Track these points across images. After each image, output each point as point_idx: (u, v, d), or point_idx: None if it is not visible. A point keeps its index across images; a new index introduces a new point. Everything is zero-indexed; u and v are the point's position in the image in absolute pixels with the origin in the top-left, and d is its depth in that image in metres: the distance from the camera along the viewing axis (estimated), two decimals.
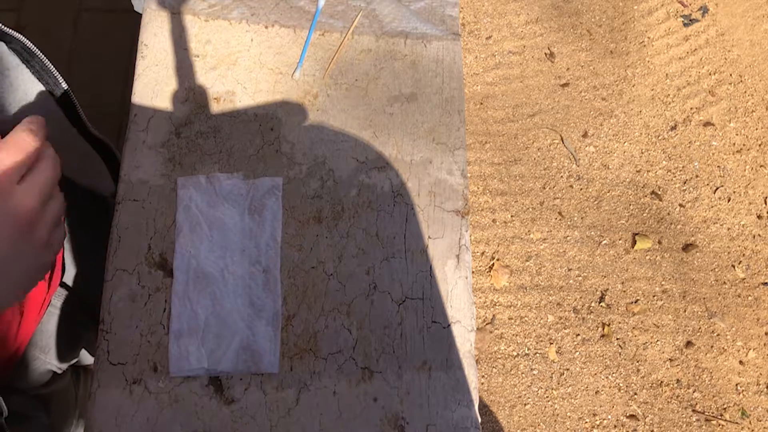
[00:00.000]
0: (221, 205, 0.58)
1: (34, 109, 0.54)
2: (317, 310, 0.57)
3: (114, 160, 0.65)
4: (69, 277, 0.66)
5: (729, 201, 1.53)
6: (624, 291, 1.42)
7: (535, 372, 1.33)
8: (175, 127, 0.61)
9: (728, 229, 1.50)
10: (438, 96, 0.66)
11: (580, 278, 1.42)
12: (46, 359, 0.61)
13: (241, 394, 0.54)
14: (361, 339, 0.56)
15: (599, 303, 1.40)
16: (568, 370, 1.34)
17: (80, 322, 0.66)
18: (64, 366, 0.65)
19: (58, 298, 0.63)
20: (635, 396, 1.33)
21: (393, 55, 0.67)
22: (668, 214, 1.50)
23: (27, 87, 0.53)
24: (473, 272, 1.41)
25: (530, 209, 1.48)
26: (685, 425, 1.32)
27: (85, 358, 0.72)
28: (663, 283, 1.43)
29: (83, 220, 0.66)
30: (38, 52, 0.51)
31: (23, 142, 0.37)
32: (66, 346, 0.64)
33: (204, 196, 0.58)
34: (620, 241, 1.46)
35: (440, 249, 0.60)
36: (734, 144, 1.60)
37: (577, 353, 1.35)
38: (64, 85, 0.55)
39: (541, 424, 1.30)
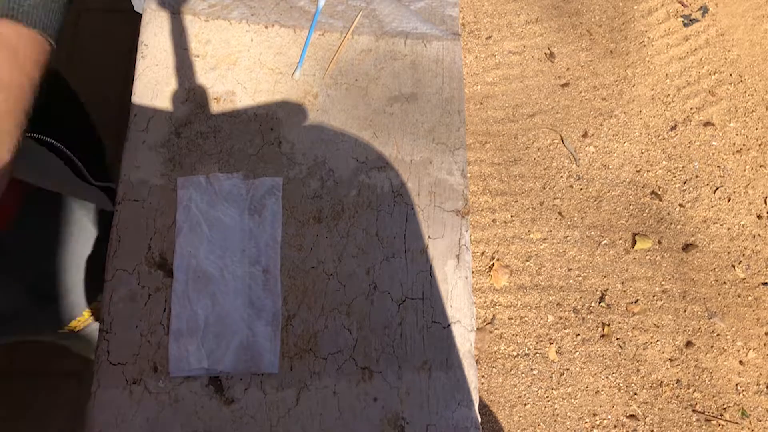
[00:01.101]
0: (221, 205, 0.58)
1: (52, 169, 0.62)
2: (317, 310, 0.57)
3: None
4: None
5: (729, 201, 1.53)
6: (624, 291, 1.42)
7: (535, 372, 1.33)
8: (175, 127, 0.61)
9: (728, 229, 1.50)
10: (438, 96, 0.66)
11: (580, 278, 1.42)
12: None
13: (241, 394, 0.54)
14: (361, 339, 0.56)
15: (599, 303, 1.40)
16: (568, 370, 1.34)
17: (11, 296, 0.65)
18: None
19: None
20: (635, 396, 1.33)
21: (393, 55, 0.67)
22: (668, 214, 1.50)
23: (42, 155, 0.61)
24: (473, 272, 1.41)
25: (530, 209, 1.48)
26: (685, 425, 1.32)
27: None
28: (663, 283, 1.43)
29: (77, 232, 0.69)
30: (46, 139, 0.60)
31: None
32: None
33: (204, 196, 0.58)
34: (620, 241, 1.46)
35: (440, 249, 0.60)
36: (734, 144, 1.60)
37: (577, 353, 1.35)
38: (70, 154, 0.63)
39: (541, 424, 1.30)
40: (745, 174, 1.56)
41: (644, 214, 1.50)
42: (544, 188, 1.50)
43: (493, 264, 1.41)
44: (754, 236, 1.50)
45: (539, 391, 1.32)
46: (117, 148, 0.66)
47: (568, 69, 1.65)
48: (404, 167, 0.63)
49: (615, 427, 1.30)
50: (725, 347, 1.39)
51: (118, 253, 0.56)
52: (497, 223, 1.46)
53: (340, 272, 0.58)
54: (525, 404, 1.31)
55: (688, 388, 1.35)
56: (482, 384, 1.30)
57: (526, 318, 1.37)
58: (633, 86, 1.64)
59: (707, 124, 1.61)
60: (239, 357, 0.53)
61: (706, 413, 1.33)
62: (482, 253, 1.43)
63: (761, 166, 1.58)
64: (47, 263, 0.63)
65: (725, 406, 1.34)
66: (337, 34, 0.67)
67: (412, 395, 0.55)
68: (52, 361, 1.11)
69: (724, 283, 1.45)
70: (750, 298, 1.44)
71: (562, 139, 1.55)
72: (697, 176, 1.55)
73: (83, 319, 0.71)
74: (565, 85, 1.62)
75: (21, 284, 0.62)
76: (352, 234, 0.59)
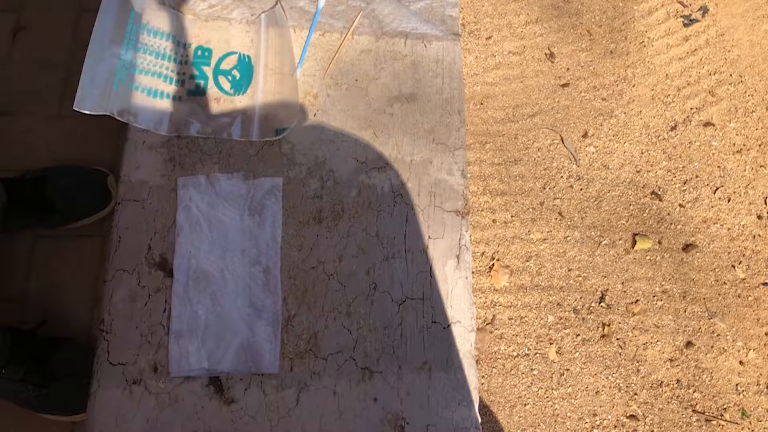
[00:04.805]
0: (221, 206, 0.58)
1: None
2: (317, 310, 0.57)
3: None
4: None
5: (729, 201, 1.53)
6: (624, 291, 1.42)
7: (535, 372, 1.33)
8: None
9: (728, 229, 1.50)
10: (438, 96, 0.66)
11: (580, 278, 1.42)
12: None
13: (241, 394, 0.54)
14: (361, 339, 0.56)
15: (599, 303, 1.40)
16: (568, 370, 1.34)
17: None
18: None
19: None
20: (635, 396, 1.33)
21: (393, 56, 0.67)
22: (668, 214, 1.50)
23: None
24: (473, 272, 1.41)
25: (530, 209, 1.47)
26: (685, 425, 1.32)
27: None
28: (663, 283, 1.43)
29: None
30: None
31: None
32: None
33: (204, 196, 0.58)
34: (620, 241, 1.46)
35: (440, 249, 0.60)
36: (734, 144, 1.60)
37: (577, 353, 1.35)
38: None
39: (541, 424, 1.30)
40: (745, 174, 1.56)
41: (644, 215, 1.50)
42: (544, 188, 1.50)
43: (493, 264, 1.41)
44: (754, 236, 1.50)
45: (539, 392, 1.32)
46: (117, 148, 0.66)
47: (568, 69, 1.65)
48: (404, 167, 0.63)
49: (615, 427, 1.30)
50: (725, 347, 1.39)
51: (118, 253, 0.56)
52: (497, 223, 1.46)
53: (340, 272, 0.58)
54: (525, 404, 1.31)
55: (688, 389, 1.35)
56: (482, 384, 1.30)
57: (526, 318, 1.37)
58: (633, 86, 1.63)
59: (707, 124, 1.61)
60: (239, 357, 0.53)
61: (706, 413, 1.33)
62: (482, 254, 1.43)
63: (761, 166, 1.58)
64: None
65: (725, 406, 1.34)
66: (337, 34, 0.67)
67: (412, 395, 0.55)
68: None
69: (724, 283, 1.45)
70: (750, 298, 1.44)
71: (562, 139, 1.55)
72: (697, 176, 1.55)
73: None
74: (565, 85, 1.62)
75: None
76: (352, 234, 0.59)
